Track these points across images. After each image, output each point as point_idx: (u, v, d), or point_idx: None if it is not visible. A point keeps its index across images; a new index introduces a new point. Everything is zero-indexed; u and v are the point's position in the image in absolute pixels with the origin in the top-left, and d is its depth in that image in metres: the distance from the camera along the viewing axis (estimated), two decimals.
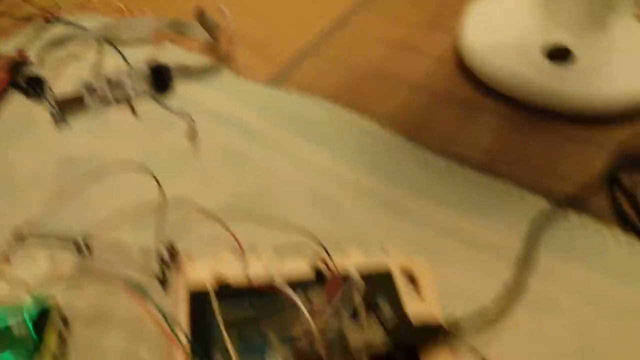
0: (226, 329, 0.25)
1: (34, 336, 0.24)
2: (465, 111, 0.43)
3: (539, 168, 0.38)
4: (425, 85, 0.44)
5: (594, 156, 0.39)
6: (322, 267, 0.28)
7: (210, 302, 0.26)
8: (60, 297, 0.26)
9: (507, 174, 0.38)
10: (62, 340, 0.26)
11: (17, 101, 0.41)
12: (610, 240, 0.34)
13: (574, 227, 0.35)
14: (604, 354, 0.29)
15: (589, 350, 0.29)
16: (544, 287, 0.31)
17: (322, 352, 0.24)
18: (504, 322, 0.29)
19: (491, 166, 0.38)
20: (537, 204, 0.35)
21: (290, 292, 0.25)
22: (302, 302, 0.25)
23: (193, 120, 0.38)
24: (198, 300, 0.27)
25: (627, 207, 0.36)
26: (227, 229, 0.29)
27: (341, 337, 0.25)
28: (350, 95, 0.43)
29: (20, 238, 0.29)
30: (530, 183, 0.37)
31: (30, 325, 0.25)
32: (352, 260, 0.29)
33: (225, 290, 0.27)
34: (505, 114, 0.42)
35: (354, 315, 0.26)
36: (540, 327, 0.30)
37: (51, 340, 0.25)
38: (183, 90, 0.42)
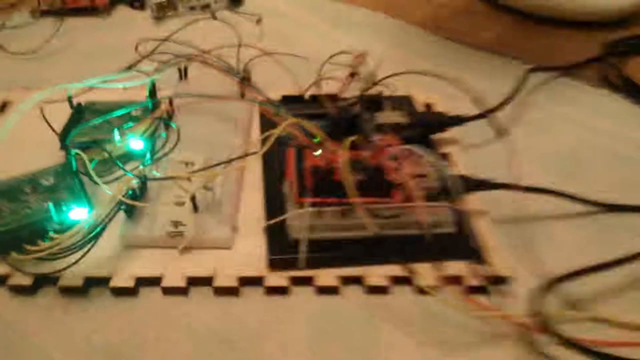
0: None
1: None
2: (479, 21, 0.52)
3: (537, 56, 0.47)
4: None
5: (589, 48, 0.47)
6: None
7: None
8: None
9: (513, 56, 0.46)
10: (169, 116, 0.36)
11: (123, 9, 0.53)
12: (592, 90, 0.42)
13: (566, 83, 0.43)
14: (581, 156, 0.37)
15: (573, 153, 0.37)
16: (536, 116, 0.40)
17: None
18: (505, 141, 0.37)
19: (498, 51, 0.47)
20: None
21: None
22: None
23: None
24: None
25: (613, 77, 0.44)
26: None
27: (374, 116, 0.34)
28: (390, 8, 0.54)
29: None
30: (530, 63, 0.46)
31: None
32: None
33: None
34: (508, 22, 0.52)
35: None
36: (535, 142, 0.38)
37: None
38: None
